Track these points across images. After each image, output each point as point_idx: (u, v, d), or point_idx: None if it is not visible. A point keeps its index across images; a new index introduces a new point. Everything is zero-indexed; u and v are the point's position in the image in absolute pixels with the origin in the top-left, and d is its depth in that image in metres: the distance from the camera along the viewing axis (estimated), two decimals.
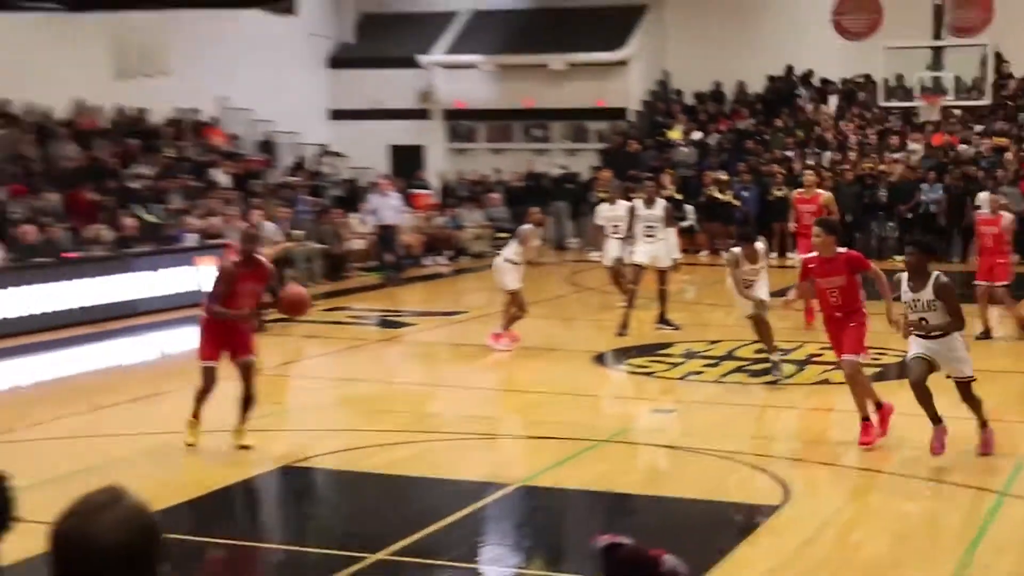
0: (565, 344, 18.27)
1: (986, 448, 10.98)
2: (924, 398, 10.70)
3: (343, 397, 15.08)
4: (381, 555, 8.67)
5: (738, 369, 15.25)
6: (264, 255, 18.18)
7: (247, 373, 11.39)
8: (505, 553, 9.33)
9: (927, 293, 10.54)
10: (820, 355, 16.12)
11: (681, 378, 15.16)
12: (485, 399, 14.80)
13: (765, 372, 14.77)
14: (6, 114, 24.53)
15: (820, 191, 19.41)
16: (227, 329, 11.37)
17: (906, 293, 10.71)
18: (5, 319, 18.20)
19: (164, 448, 11.48)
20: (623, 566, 3.79)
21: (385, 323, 20.44)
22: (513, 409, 14.03)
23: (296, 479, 11.34)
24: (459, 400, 14.65)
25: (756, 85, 33.50)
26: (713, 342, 16.81)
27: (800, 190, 19.55)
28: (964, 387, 10.89)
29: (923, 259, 10.76)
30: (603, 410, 14.32)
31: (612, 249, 19.25)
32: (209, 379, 11.34)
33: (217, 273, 11.64)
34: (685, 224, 28.39)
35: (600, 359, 16.35)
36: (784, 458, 11.47)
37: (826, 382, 14.73)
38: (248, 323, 11.54)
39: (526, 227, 17.31)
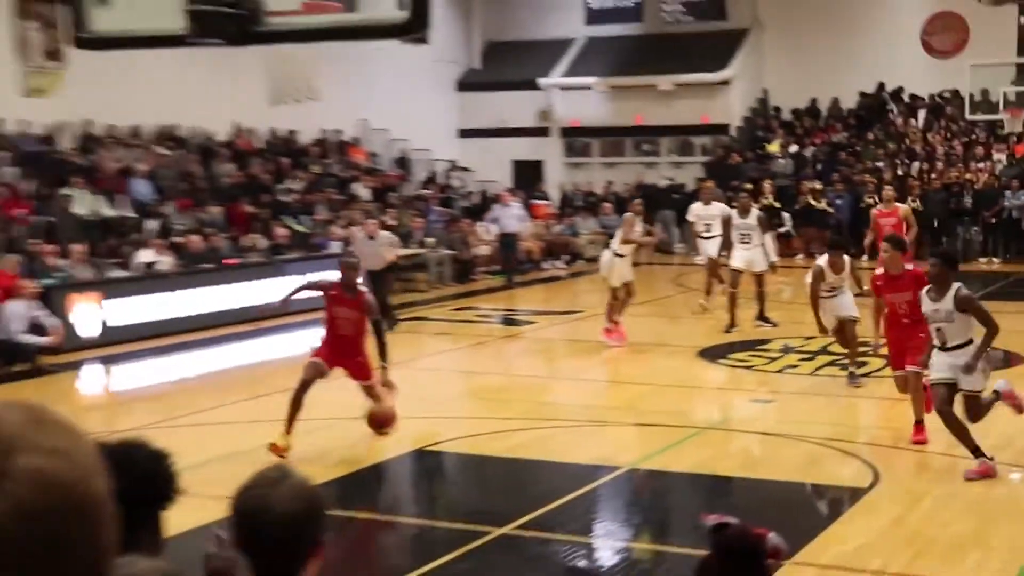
0: (671, 340, 18.10)
1: (970, 475, 9.81)
2: (954, 428, 9.81)
3: (469, 388, 15.11)
4: (504, 530, 8.66)
5: (831, 363, 14.97)
6: (386, 261, 18.36)
7: (372, 394, 11.00)
8: (616, 529, 9.29)
9: (946, 304, 9.78)
10: None
11: (778, 371, 14.94)
12: (597, 390, 14.71)
13: (857, 365, 14.46)
14: (174, 137, 24.99)
15: (899, 204, 18.22)
16: (341, 349, 11.01)
17: (926, 303, 9.99)
18: (174, 318, 18.53)
19: (312, 433, 11.56)
20: (731, 543, 3.72)
21: (507, 321, 20.45)
22: (623, 399, 13.90)
23: (428, 461, 11.37)
24: (574, 391, 14.58)
25: (849, 101, 32.94)
26: (808, 338, 16.49)
27: (880, 204, 18.47)
28: (968, 401, 9.84)
29: (944, 270, 9.90)
30: (706, 400, 14.15)
31: (705, 247, 18.94)
32: (310, 372, 10.83)
33: (318, 280, 11.74)
34: (782, 230, 28.06)
35: (704, 354, 16.16)
36: (874, 444, 11.26)
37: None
38: (355, 349, 11.07)
39: (627, 214, 17.24)
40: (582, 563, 8.25)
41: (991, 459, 9.72)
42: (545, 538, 8.69)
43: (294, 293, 12.03)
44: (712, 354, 16.10)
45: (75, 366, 16.11)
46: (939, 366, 9.86)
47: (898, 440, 11.38)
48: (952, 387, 9.75)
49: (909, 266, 11.19)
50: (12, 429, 1.15)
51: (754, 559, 3.71)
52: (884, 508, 9.15)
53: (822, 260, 13.70)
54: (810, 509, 9.64)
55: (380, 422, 10.96)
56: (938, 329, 9.90)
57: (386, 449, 11.30)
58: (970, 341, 9.80)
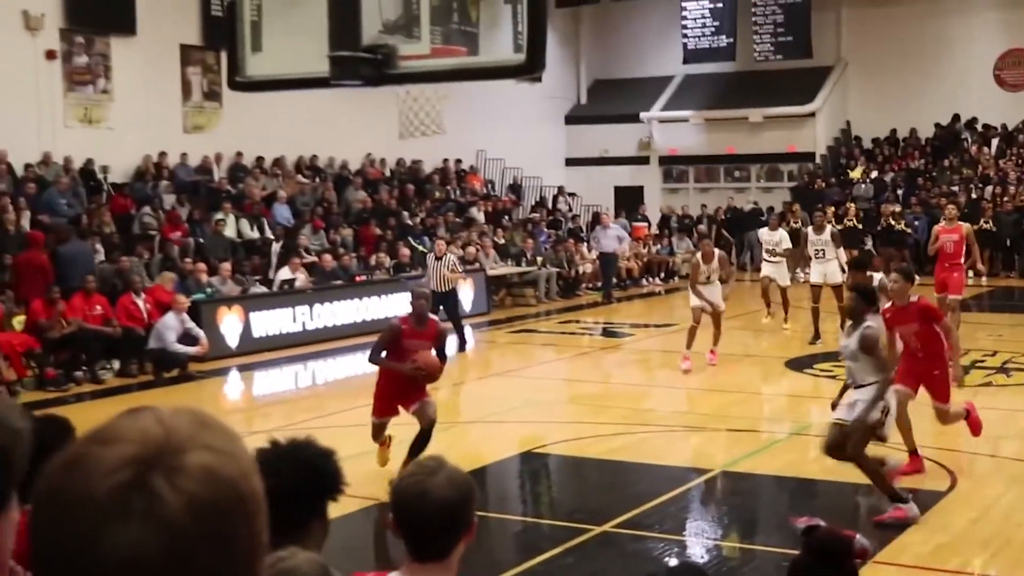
0: (760, 351, 17.88)
1: (879, 520, 8.54)
2: (867, 470, 8.62)
3: (572, 395, 15.06)
4: (604, 528, 8.61)
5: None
6: (451, 280, 17.88)
7: (423, 416, 9.69)
8: (708, 528, 9.17)
9: (853, 341, 8.66)
10: (983, 361, 15.44)
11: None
12: (691, 397, 14.56)
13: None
14: (313, 167, 25.40)
15: (962, 223, 17.18)
16: (398, 385, 9.81)
17: (841, 338, 9.03)
18: (308, 330, 18.79)
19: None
20: (823, 544, 3.68)
21: (607, 333, 20.37)
22: (715, 406, 13.74)
23: (534, 463, 11.36)
24: (668, 398, 14.47)
25: (926, 131, 32.31)
26: None
27: (944, 221, 17.24)
28: (833, 430, 8.69)
29: (860, 304, 8.77)
30: (792, 407, 13.95)
31: (765, 268, 18.59)
32: (377, 433, 10.08)
33: (384, 330, 10.16)
34: (865, 248, 27.60)
35: (790, 364, 15.93)
36: (951, 449, 10.95)
37: (989, 384, 14.06)
38: (417, 378, 9.74)
39: (694, 258, 16.60)
40: (674, 561, 8.17)
41: (907, 503, 8.53)
42: (642, 536, 8.63)
43: (380, 359, 10.01)
44: (798, 364, 15.87)
45: (220, 373, 16.40)
46: (840, 407, 8.91)
47: (974, 446, 11.10)
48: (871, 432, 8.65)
49: (914, 298, 9.87)
50: (183, 431, 1.17)
51: (843, 559, 3.67)
52: (960, 510, 8.93)
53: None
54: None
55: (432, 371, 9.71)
56: (848, 366, 8.89)
57: (498, 451, 11.32)
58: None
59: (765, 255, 18.68)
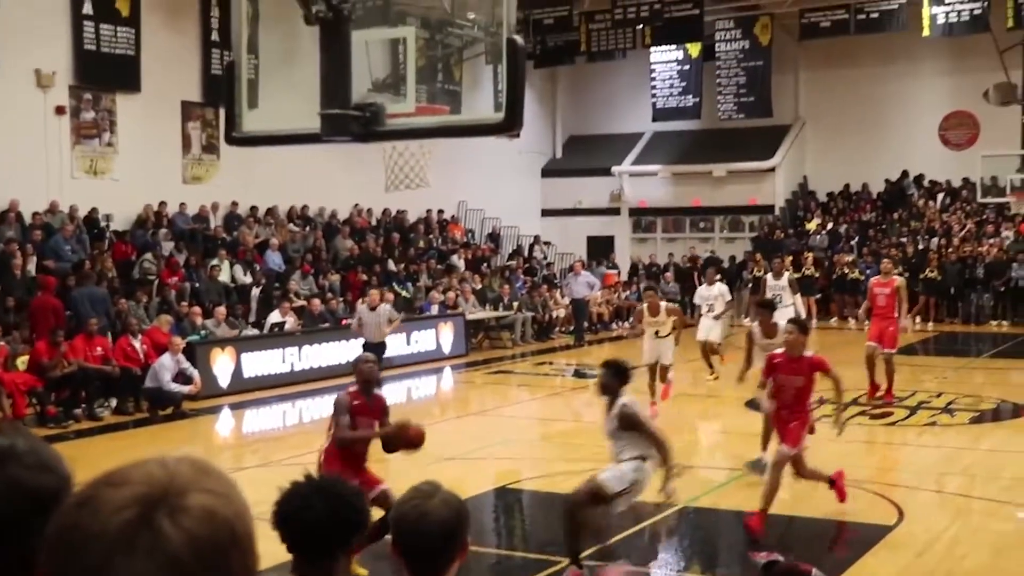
0: (721, 391, 17.90)
1: None
2: (569, 526, 8.04)
3: (545, 433, 15.03)
4: None
5: (861, 412, 14.71)
6: (384, 334, 16.07)
7: (388, 503, 7.65)
8: (673, 560, 9.17)
9: (611, 419, 7.94)
10: (929, 401, 15.53)
11: (815, 420, 14.67)
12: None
13: (883, 416, 14.25)
14: (303, 216, 25.42)
15: (896, 277, 16.18)
16: (352, 463, 8.31)
17: (604, 414, 8.06)
18: (296, 371, 18.71)
19: (407, 471, 11.56)
20: None
21: (578, 374, 20.37)
22: (678, 443, 13.69)
23: (509, 497, 11.32)
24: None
25: (877, 186, 32.71)
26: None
27: (878, 276, 16.27)
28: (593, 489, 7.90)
29: (614, 380, 7.95)
30: (752, 445, 13.94)
31: (702, 327, 17.67)
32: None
33: (336, 408, 8.61)
34: (819, 296, 27.83)
35: (750, 404, 15.96)
36: (898, 485, 11.01)
37: (934, 424, 14.13)
38: (365, 448, 8.56)
39: (640, 306, 15.74)
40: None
41: (581, 569, 7.92)
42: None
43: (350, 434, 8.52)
44: (757, 405, 15.86)
45: (213, 411, 16.30)
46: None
47: (920, 482, 11.16)
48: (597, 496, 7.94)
49: (808, 352, 9.32)
50: (185, 475, 1.21)
51: None
52: (908, 543, 8.95)
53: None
54: (842, 544, 9.44)
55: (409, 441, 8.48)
56: (609, 445, 8.14)
57: (475, 486, 11.28)
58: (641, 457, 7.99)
59: (704, 312, 17.78)
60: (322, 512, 3.05)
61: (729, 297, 18.20)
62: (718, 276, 18.82)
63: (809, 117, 33.64)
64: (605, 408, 8.05)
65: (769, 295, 17.28)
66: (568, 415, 16.21)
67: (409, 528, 2.82)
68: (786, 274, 17.73)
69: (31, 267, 18.37)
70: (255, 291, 21.12)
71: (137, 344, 16.14)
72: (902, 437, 13.55)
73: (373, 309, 16.38)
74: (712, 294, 17.66)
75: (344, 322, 20.64)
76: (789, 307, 17.19)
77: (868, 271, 27.86)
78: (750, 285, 28.02)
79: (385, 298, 17.60)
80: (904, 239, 29.49)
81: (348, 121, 5.31)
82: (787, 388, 9.20)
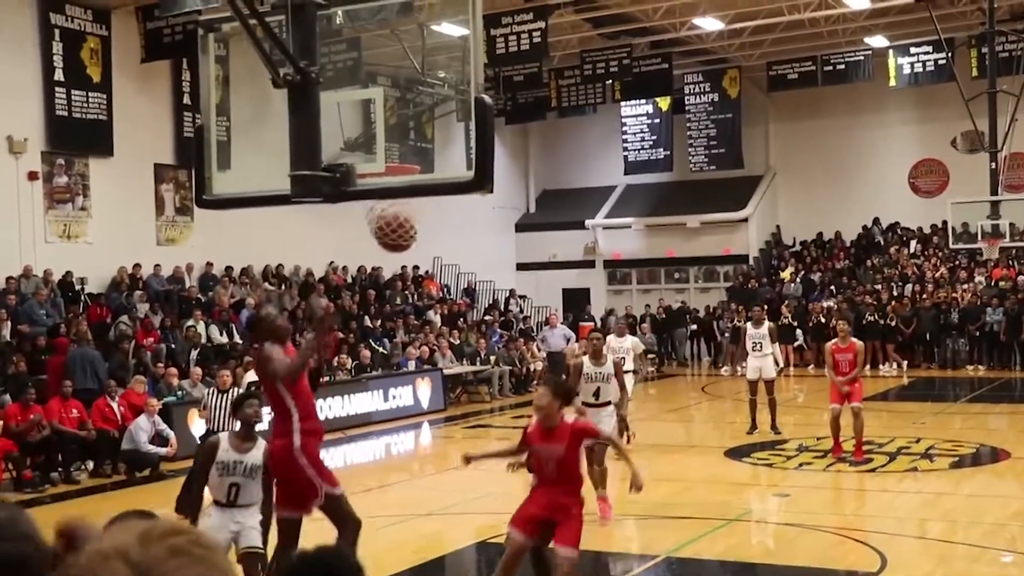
0: (701, 441, 17.91)
1: None
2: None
3: (526, 486, 14.92)
4: None
5: (840, 459, 14.72)
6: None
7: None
8: None
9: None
10: (908, 447, 15.56)
11: (796, 467, 14.71)
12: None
13: (865, 462, 14.26)
14: (280, 275, 25.40)
15: (855, 340, 15.16)
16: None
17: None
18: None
19: (386, 527, 11.50)
20: None
21: None
22: (659, 494, 13.67)
23: (491, 551, 11.23)
24: (615, 488, 14.37)
25: (851, 234, 32.98)
26: (820, 438, 16.28)
27: (837, 340, 15.15)
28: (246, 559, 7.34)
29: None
30: (732, 494, 13.93)
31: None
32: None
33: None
34: (796, 344, 27.96)
35: (729, 453, 15.96)
36: (881, 532, 10.98)
37: (915, 470, 14.15)
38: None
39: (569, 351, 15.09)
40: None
41: None
42: None
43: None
44: (737, 453, 15.89)
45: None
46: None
47: (902, 528, 11.15)
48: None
49: (569, 419, 7.82)
50: (158, 565, 1.18)
51: None
52: None
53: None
54: None
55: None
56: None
57: (456, 541, 11.22)
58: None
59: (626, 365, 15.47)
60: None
61: (640, 349, 17.62)
62: (632, 329, 18.05)
63: (780, 167, 33.97)
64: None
65: (749, 343, 17.35)
66: None
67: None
68: (766, 322, 17.77)
69: (5, 332, 18.25)
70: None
71: (115, 406, 16.02)
72: (882, 483, 13.55)
73: (224, 392, 13.03)
74: (624, 347, 16.13)
75: (321, 380, 20.55)
76: (768, 355, 17.26)
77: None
78: (728, 334, 28.17)
79: (239, 381, 14.24)
80: (879, 286, 29.69)
81: (318, 182, 5.34)
82: (545, 461, 7.62)
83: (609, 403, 11.75)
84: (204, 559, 1.19)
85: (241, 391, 11.39)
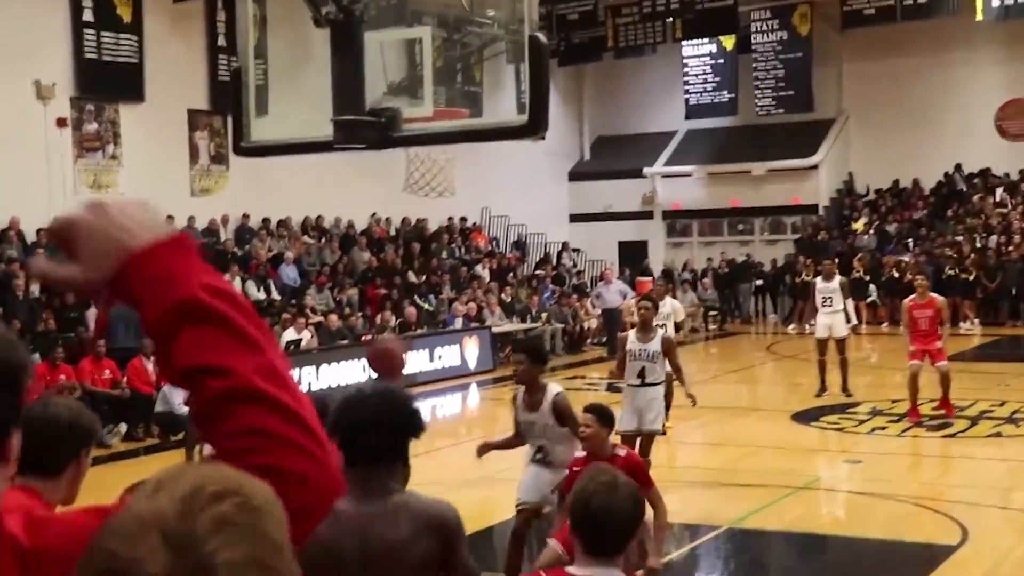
0: (766, 404, 17.84)
1: None
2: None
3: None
4: None
5: (917, 424, 14.60)
6: None
7: None
8: None
9: (546, 416, 7.61)
10: (991, 411, 15.39)
11: (868, 432, 14.61)
12: (697, 452, 14.50)
13: (942, 427, 14.13)
14: (319, 227, 25.53)
15: (935, 295, 15.15)
16: None
17: (523, 413, 7.78)
18: (313, 390, 18.72)
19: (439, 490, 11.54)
20: None
21: (612, 388, 20.30)
22: (721, 461, 13.67)
23: (541, 521, 11.26)
24: (675, 452, 14.39)
25: (930, 181, 32.47)
26: (895, 401, 16.14)
27: (913, 296, 14.97)
28: None
29: (532, 367, 7.77)
30: (799, 461, 13.87)
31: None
32: None
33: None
34: (870, 300, 27.69)
35: (797, 417, 15.89)
36: (961, 502, 10.89)
37: (998, 435, 14.00)
38: None
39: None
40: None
41: None
42: None
43: None
44: (805, 417, 15.82)
45: None
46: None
47: (984, 498, 11.05)
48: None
49: (621, 451, 7.03)
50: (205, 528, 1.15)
51: None
52: (973, 564, 8.86)
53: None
54: (902, 566, 9.33)
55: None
56: (542, 445, 7.88)
57: (500, 510, 11.25)
58: None
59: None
60: (372, 412, 3.33)
61: (682, 316, 17.41)
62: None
63: (853, 111, 33.47)
64: (523, 403, 7.71)
65: (819, 299, 17.18)
66: None
67: (596, 526, 3.23)
68: (837, 276, 17.57)
69: (35, 288, 18.43)
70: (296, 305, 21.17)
71: (150, 366, 16.22)
72: (962, 450, 13.43)
73: None
74: (664, 312, 14.63)
75: (364, 338, 20.70)
76: (840, 311, 17.08)
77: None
78: (798, 289, 27.95)
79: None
80: (960, 237, 29.24)
81: (362, 127, 5.32)
82: None
83: (658, 384, 10.98)
84: (252, 530, 1.12)
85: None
